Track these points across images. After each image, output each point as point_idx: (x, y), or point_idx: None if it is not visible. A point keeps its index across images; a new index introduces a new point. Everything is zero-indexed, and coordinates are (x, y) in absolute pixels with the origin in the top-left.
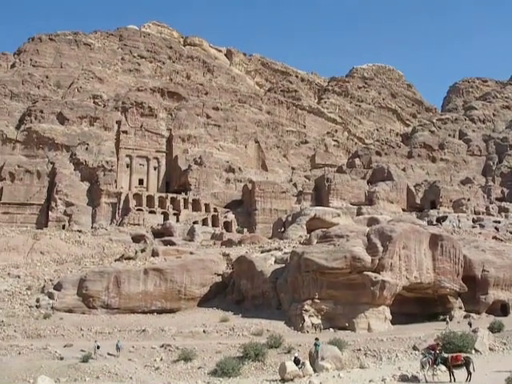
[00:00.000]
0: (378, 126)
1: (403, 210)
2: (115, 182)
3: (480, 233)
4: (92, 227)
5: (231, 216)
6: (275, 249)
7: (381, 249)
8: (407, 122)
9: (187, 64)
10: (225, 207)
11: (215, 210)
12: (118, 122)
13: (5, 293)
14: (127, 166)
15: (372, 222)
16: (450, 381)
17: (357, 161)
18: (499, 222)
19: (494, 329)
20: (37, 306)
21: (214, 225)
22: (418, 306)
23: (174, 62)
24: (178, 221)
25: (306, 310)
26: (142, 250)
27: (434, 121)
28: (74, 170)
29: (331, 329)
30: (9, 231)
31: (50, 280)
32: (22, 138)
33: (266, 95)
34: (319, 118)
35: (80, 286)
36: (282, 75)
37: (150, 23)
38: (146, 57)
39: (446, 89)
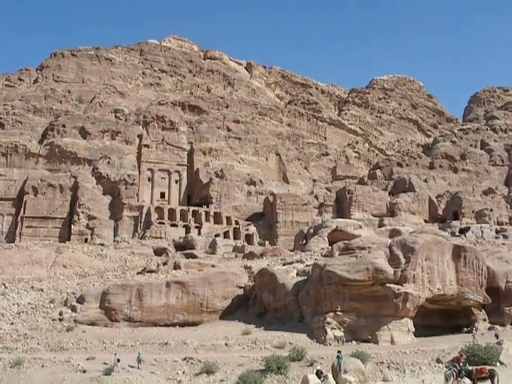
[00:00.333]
0: (398, 137)
1: (425, 221)
2: (137, 195)
3: (503, 243)
4: (114, 240)
5: (253, 229)
6: (297, 261)
7: (403, 260)
8: (428, 132)
9: (208, 77)
10: (246, 220)
11: (237, 222)
12: (140, 136)
13: (28, 306)
14: (149, 180)
15: (394, 233)
16: None
17: (378, 172)
18: None
19: None
20: (60, 319)
21: (236, 237)
22: (441, 318)
23: (194, 75)
24: (199, 234)
25: (328, 323)
26: (164, 263)
27: (456, 131)
28: (96, 183)
29: (354, 341)
30: (32, 245)
31: (73, 293)
32: (44, 152)
33: (286, 107)
34: (340, 129)
35: (102, 299)
36: (302, 87)
37: (171, 37)
38: (167, 71)
39: (466, 99)
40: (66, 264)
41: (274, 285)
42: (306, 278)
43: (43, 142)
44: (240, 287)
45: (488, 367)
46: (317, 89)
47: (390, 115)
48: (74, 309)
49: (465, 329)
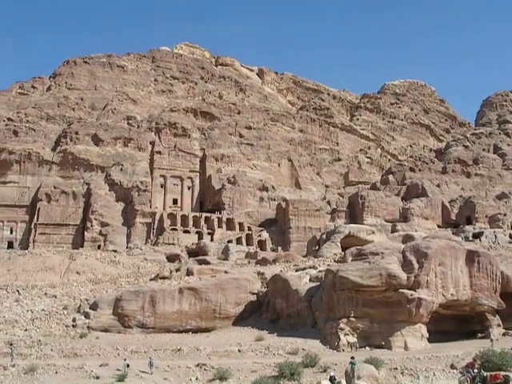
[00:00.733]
0: (411, 142)
1: (438, 226)
2: (149, 202)
3: None
4: (127, 247)
5: (265, 235)
6: (310, 267)
7: (416, 266)
8: (441, 137)
9: (219, 84)
10: (259, 226)
11: (249, 228)
12: (152, 143)
13: (42, 312)
14: (161, 186)
15: (407, 238)
16: None
17: (390, 177)
18: None
19: None
20: (73, 326)
21: (249, 243)
22: (455, 323)
23: (206, 82)
24: (212, 240)
25: (341, 329)
26: (177, 270)
27: (468, 136)
28: (109, 190)
29: (367, 347)
30: (45, 251)
31: (86, 300)
32: (57, 159)
33: (298, 113)
34: (352, 135)
35: (116, 305)
36: (313, 93)
37: (182, 44)
38: (179, 77)
39: (479, 103)
40: (79, 270)
41: (287, 291)
42: (318, 283)
43: (56, 149)
44: (253, 293)
45: (503, 373)
46: (328, 94)
47: (402, 120)
48: (87, 315)
49: (479, 334)
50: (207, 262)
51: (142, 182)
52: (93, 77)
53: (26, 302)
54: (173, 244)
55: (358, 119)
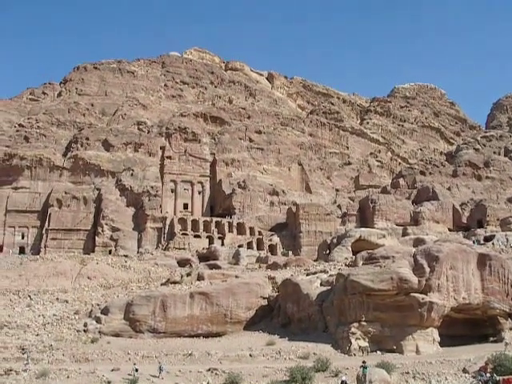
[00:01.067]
0: (421, 146)
1: (449, 229)
2: (160, 206)
3: None
4: (138, 252)
5: (276, 239)
6: (321, 271)
7: (427, 269)
8: (451, 140)
9: (229, 88)
10: (269, 230)
11: (260, 233)
12: (162, 148)
13: (53, 317)
14: (172, 191)
15: (418, 242)
16: None
17: (401, 181)
18: None
19: None
20: (84, 331)
21: (259, 248)
22: (467, 327)
23: (216, 86)
24: (222, 244)
25: (352, 333)
26: (188, 274)
27: (479, 138)
28: (120, 195)
29: (378, 351)
30: (57, 256)
31: (98, 304)
32: (68, 165)
33: (308, 117)
34: (362, 138)
35: (127, 310)
36: (323, 97)
37: (192, 49)
38: (189, 82)
39: (489, 106)
40: (90, 275)
41: (298, 295)
42: (329, 287)
43: (67, 154)
44: (264, 298)
45: None
46: (338, 98)
47: (412, 123)
48: (98, 320)
49: (491, 338)
50: (218, 267)
51: (152, 187)
52: (103, 82)
53: (37, 307)
54: (183, 249)
55: (368, 123)
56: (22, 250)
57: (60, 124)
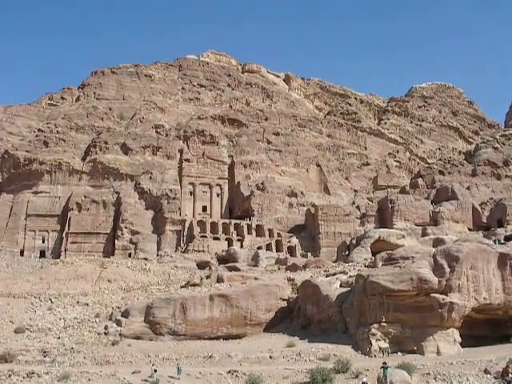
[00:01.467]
0: (439, 145)
1: (469, 229)
2: (179, 209)
3: None
4: (157, 255)
5: (295, 240)
6: (340, 272)
7: (448, 270)
8: (470, 139)
9: (246, 91)
10: (288, 232)
11: (279, 234)
12: (181, 151)
13: (74, 320)
14: (190, 194)
15: (437, 242)
16: None
17: (420, 181)
18: None
19: None
20: (105, 333)
21: (278, 250)
22: (488, 327)
23: (233, 89)
24: (241, 246)
25: (373, 334)
26: (207, 277)
27: (498, 137)
28: (139, 198)
29: (399, 352)
30: (77, 260)
31: (118, 307)
32: (87, 169)
33: (325, 118)
34: (380, 139)
35: (147, 312)
36: (340, 98)
37: (209, 52)
38: (206, 85)
39: (508, 104)
40: (110, 279)
41: (318, 296)
42: (349, 289)
43: (86, 158)
44: (283, 299)
45: None
46: (356, 99)
47: (430, 123)
48: (119, 323)
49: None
50: (237, 269)
51: (171, 190)
52: (121, 86)
53: (58, 310)
54: (203, 251)
55: (385, 123)
56: (42, 254)
57: (79, 128)
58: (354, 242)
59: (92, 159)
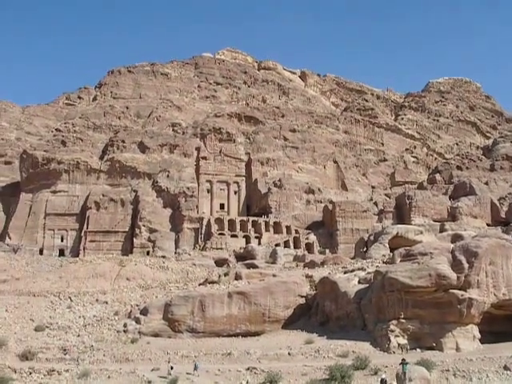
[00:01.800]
0: (457, 140)
1: (488, 224)
2: (197, 207)
3: None
4: (175, 252)
5: (313, 237)
6: (358, 269)
7: (466, 266)
8: (487, 134)
9: (262, 88)
10: (306, 229)
11: (296, 231)
12: (198, 149)
13: (93, 318)
14: (208, 191)
15: (456, 238)
16: None
17: (437, 176)
18: None
19: None
20: (124, 331)
21: (296, 247)
22: (507, 323)
23: (249, 86)
24: (259, 244)
25: (391, 330)
26: (226, 274)
27: None
28: (157, 197)
29: (418, 349)
30: (96, 258)
31: (137, 305)
32: (105, 167)
33: (342, 115)
34: (397, 134)
35: (165, 310)
36: (357, 94)
37: (224, 50)
38: (222, 83)
39: None
40: (129, 277)
41: (336, 293)
42: (367, 285)
43: (104, 157)
44: (302, 296)
45: None
46: (372, 94)
47: (447, 118)
48: (137, 320)
49: None
50: (255, 266)
51: (188, 188)
52: (137, 85)
53: (77, 308)
54: (221, 249)
55: (402, 118)
56: (61, 253)
57: (96, 127)
58: (372, 238)
59: (109, 158)
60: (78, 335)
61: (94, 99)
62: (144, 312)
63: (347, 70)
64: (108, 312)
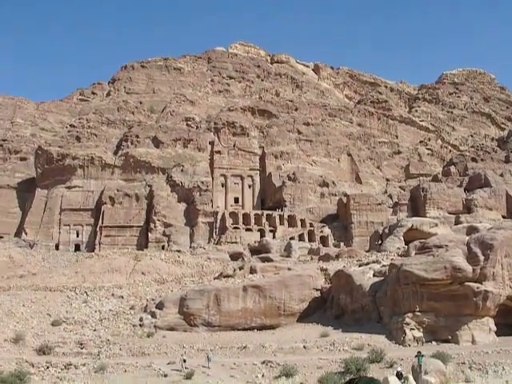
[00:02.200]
0: (472, 132)
1: (503, 216)
2: (211, 201)
3: None
4: (190, 247)
5: (327, 230)
6: (373, 262)
7: (482, 258)
8: (502, 125)
9: (276, 81)
10: (320, 222)
11: (311, 225)
12: (211, 143)
13: (110, 313)
14: (222, 186)
15: (471, 230)
16: None
17: (452, 168)
18: None
19: None
20: (140, 325)
21: (311, 240)
22: None
23: (262, 80)
24: (274, 237)
25: (407, 323)
26: (240, 268)
27: None
28: (171, 191)
29: (433, 342)
30: (111, 253)
31: (152, 299)
32: (119, 162)
33: (356, 107)
34: (411, 127)
35: (181, 304)
36: (370, 86)
37: (237, 44)
38: (235, 77)
39: None
40: (144, 271)
41: (351, 286)
42: (382, 278)
43: (118, 152)
44: (317, 289)
45: None
46: (386, 87)
47: (461, 110)
48: (153, 315)
49: None
50: (270, 260)
51: (202, 182)
52: (150, 80)
53: (93, 302)
54: (235, 242)
55: (416, 111)
56: (77, 248)
57: (110, 123)
58: (387, 231)
59: (124, 153)
60: (95, 329)
61: (108, 95)
62: (159, 306)
63: (360, 62)
64: (124, 306)
